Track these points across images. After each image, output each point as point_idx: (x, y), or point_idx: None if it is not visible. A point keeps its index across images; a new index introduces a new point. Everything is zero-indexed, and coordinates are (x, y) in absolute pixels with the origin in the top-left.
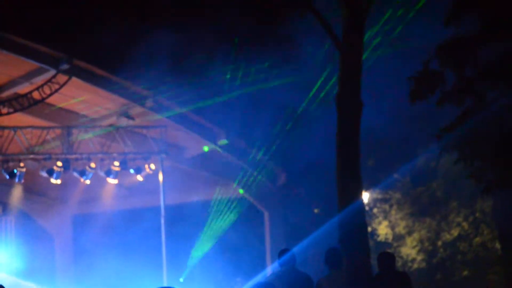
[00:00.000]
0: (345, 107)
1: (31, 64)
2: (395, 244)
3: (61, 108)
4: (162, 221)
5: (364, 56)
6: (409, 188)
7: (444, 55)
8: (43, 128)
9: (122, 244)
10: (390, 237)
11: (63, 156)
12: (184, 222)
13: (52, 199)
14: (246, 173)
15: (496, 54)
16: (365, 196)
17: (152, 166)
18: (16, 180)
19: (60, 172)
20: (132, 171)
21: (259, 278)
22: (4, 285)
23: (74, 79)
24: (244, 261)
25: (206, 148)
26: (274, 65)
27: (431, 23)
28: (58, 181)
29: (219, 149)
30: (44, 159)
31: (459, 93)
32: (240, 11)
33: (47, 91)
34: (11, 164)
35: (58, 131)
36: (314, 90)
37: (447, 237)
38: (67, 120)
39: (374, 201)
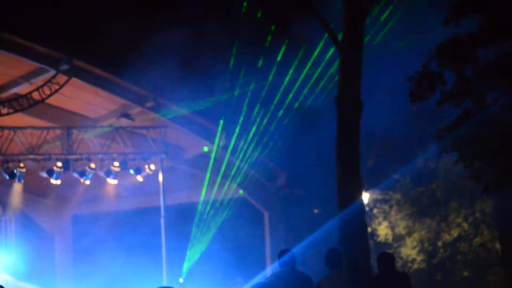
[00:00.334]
0: (345, 107)
1: (31, 65)
2: (395, 245)
3: (61, 109)
4: (162, 221)
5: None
6: (409, 189)
7: (444, 56)
8: (43, 128)
9: (122, 244)
10: (390, 237)
11: (63, 157)
12: (184, 222)
13: (52, 200)
14: (246, 173)
15: (496, 54)
16: (365, 197)
17: (152, 167)
18: (16, 180)
19: (60, 172)
20: (132, 171)
21: (259, 278)
22: (4, 286)
23: (74, 79)
24: (244, 262)
25: (206, 149)
26: (275, 64)
27: (431, 23)
28: (58, 182)
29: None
30: (44, 159)
31: (459, 94)
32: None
33: (47, 92)
34: (11, 164)
35: (58, 131)
36: (317, 90)
37: (447, 237)
38: (67, 121)
39: (374, 202)
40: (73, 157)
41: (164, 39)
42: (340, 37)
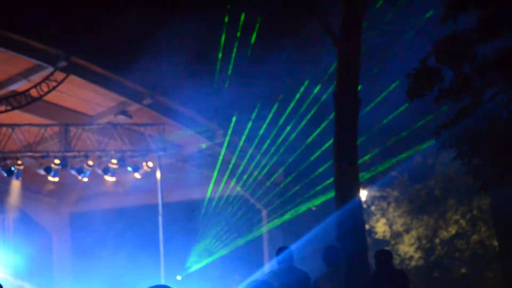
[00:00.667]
0: (343, 104)
1: (28, 62)
2: (392, 242)
3: (58, 106)
4: (160, 218)
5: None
6: (407, 186)
7: (442, 52)
8: (40, 125)
9: (119, 241)
10: (387, 234)
11: (60, 154)
12: (182, 220)
13: (50, 197)
14: (244, 170)
15: (494, 51)
16: (363, 194)
17: (150, 164)
18: (14, 177)
19: (57, 169)
20: (129, 168)
21: (257, 275)
22: (2, 283)
23: (71, 76)
24: (242, 259)
25: (203, 146)
26: (275, 61)
27: (429, 19)
28: (56, 179)
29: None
30: (42, 156)
31: (457, 90)
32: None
33: (45, 89)
34: (8, 161)
35: (55, 128)
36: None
37: (444, 234)
38: (64, 118)
39: (372, 199)
40: (71, 154)
41: (162, 36)
42: (338, 34)
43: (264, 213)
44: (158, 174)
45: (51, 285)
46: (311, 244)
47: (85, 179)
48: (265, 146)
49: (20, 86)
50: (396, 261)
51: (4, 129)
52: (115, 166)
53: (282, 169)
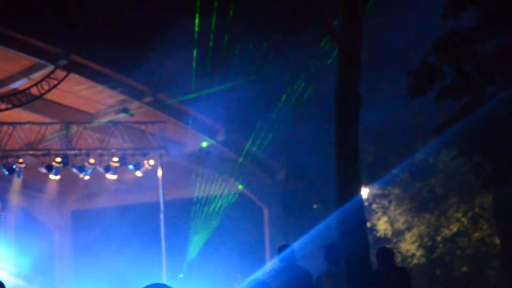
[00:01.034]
0: (344, 102)
1: (29, 60)
2: (394, 240)
3: (59, 104)
4: (161, 217)
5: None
6: (408, 184)
7: (442, 50)
8: (41, 124)
9: (121, 239)
10: (389, 232)
11: (62, 152)
12: (183, 218)
13: (51, 195)
14: (245, 168)
15: (494, 49)
16: (364, 192)
17: (151, 162)
18: (15, 176)
19: (59, 168)
20: (131, 167)
21: (258, 274)
22: (2, 281)
23: (72, 74)
24: (244, 257)
25: (204, 144)
26: (274, 58)
27: (430, 18)
28: (57, 177)
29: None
30: (43, 155)
31: (458, 88)
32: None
33: (46, 87)
34: (10, 160)
35: (57, 126)
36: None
37: (446, 232)
38: (66, 116)
39: (373, 197)
40: (72, 152)
41: (163, 34)
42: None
43: (265, 211)
44: (160, 172)
45: (53, 283)
46: (312, 242)
47: (87, 177)
48: (267, 143)
49: (21, 84)
50: (398, 259)
51: (5, 127)
52: (116, 165)
53: (284, 166)
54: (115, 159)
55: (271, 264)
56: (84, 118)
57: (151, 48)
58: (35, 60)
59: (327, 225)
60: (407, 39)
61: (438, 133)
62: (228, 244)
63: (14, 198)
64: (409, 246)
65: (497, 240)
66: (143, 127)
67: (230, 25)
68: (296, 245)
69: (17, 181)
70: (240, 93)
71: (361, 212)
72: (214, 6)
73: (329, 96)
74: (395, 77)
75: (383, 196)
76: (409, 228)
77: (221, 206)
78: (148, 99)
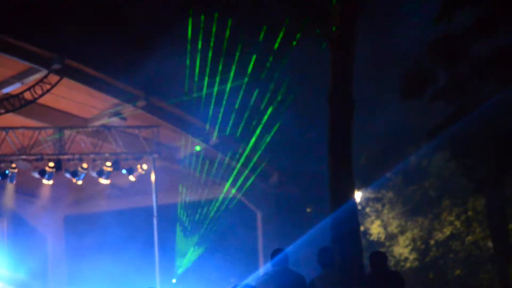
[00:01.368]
0: (337, 106)
1: (22, 64)
2: (387, 243)
3: (53, 108)
4: (155, 221)
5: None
6: (401, 187)
7: (435, 53)
8: (34, 128)
9: (114, 244)
10: (382, 236)
11: (55, 157)
12: (176, 222)
13: (44, 200)
14: (238, 173)
15: (488, 51)
16: (358, 195)
17: (144, 166)
18: (8, 181)
19: (52, 172)
20: (124, 171)
21: (251, 278)
22: None
23: (65, 79)
24: (237, 261)
25: (198, 148)
26: (268, 61)
27: (422, 21)
28: (50, 182)
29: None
30: (36, 159)
31: (451, 90)
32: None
33: (39, 92)
34: (2, 165)
35: (50, 131)
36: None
37: (439, 236)
38: (59, 121)
39: (366, 200)
40: (65, 157)
41: (156, 38)
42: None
43: (259, 215)
44: (153, 177)
45: (45, 287)
46: (306, 246)
47: (80, 182)
48: (262, 148)
49: (14, 89)
50: (391, 262)
51: None
52: (109, 169)
53: (277, 170)
54: (108, 163)
55: (264, 268)
56: (77, 122)
57: (145, 52)
58: (28, 64)
59: (320, 228)
60: (399, 42)
61: (431, 136)
62: (222, 248)
63: (7, 202)
64: (402, 250)
65: (490, 243)
66: (136, 131)
67: (222, 28)
68: (289, 249)
69: (10, 186)
70: (233, 97)
71: (354, 215)
72: (204, 11)
73: (323, 99)
74: (389, 80)
75: (377, 199)
76: (402, 232)
77: (214, 210)
78: (141, 103)
